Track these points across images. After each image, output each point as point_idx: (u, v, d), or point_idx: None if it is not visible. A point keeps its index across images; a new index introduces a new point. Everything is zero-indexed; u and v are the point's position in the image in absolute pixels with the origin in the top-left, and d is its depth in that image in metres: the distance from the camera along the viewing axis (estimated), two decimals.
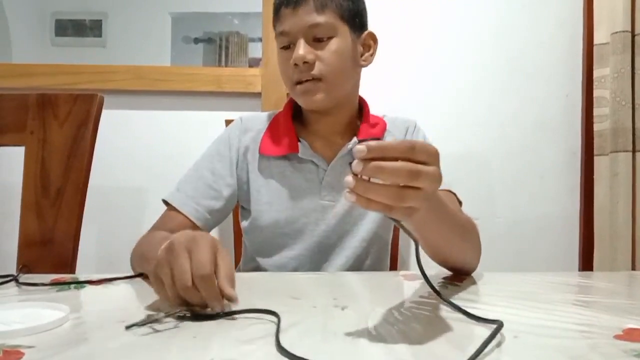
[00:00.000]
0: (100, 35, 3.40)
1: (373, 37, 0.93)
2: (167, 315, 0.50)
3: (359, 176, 0.45)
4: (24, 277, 0.70)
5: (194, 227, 0.87)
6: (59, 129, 0.93)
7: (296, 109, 0.95)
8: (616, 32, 1.36)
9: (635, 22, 1.37)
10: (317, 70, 0.84)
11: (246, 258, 0.98)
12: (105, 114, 0.98)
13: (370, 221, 0.92)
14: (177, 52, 3.53)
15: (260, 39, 1.48)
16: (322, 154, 0.91)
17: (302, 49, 0.83)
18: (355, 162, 0.45)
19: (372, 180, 0.46)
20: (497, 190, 1.48)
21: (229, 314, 0.52)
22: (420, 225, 0.60)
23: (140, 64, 1.51)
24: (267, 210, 0.91)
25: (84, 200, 0.93)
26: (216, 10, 3.57)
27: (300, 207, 0.90)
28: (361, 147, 0.45)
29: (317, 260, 0.91)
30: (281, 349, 0.41)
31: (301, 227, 0.90)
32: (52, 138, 0.93)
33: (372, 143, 0.45)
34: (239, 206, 0.98)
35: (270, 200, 0.91)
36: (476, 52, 1.47)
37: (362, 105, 0.96)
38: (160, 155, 1.44)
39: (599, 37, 1.41)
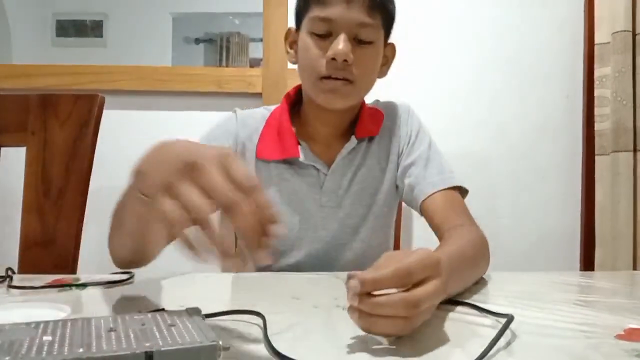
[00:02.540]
0: (101, 36, 3.40)
1: (394, 51, 0.89)
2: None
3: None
4: (22, 278, 0.70)
5: None
6: (60, 130, 0.93)
7: (292, 107, 0.90)
8: (617, 32, 1.36)
9: (636, 22, 1.37)
10: (353, 73, 0.78)
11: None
12: (106, 115, 0.98)
13: (369, 227, 0.88)
14: (178, 53, 3.54)
15: (261, 39, 1.48)
16: (322, 158, 0.86)
17: (344, 44, 0.76)
18: (351, 295, 0.42)
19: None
20: (497, 190, 1.48)
21: (214, 315, 0.51)
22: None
23: (141, 64, 1.52)
24: None
25: (85, 200, 0.93)
26: (217, 10, 3.58)
27: (299, 213, 0.86)
28: (354, 282, 0.42)
29: (317, 267, 0.86)
30: (273, 351, 0.41)
31: (300, 234, 0.86)
32: (53, 138, 0.93)
33: (367, 277, 0.42)
34: None
35: None
36: (476, 52, 1.47)
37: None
38: None
39: (599, 36, 1.41)
